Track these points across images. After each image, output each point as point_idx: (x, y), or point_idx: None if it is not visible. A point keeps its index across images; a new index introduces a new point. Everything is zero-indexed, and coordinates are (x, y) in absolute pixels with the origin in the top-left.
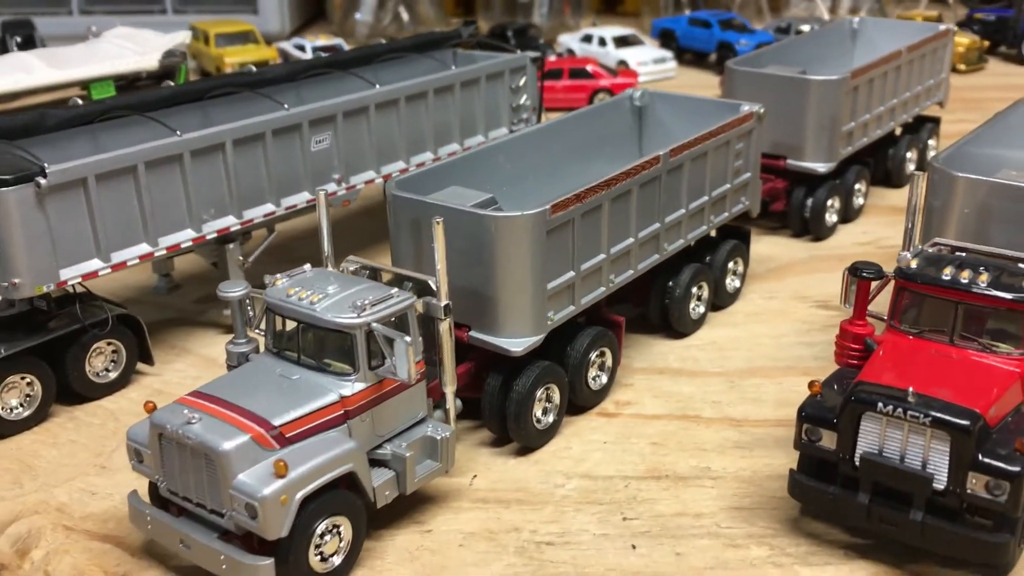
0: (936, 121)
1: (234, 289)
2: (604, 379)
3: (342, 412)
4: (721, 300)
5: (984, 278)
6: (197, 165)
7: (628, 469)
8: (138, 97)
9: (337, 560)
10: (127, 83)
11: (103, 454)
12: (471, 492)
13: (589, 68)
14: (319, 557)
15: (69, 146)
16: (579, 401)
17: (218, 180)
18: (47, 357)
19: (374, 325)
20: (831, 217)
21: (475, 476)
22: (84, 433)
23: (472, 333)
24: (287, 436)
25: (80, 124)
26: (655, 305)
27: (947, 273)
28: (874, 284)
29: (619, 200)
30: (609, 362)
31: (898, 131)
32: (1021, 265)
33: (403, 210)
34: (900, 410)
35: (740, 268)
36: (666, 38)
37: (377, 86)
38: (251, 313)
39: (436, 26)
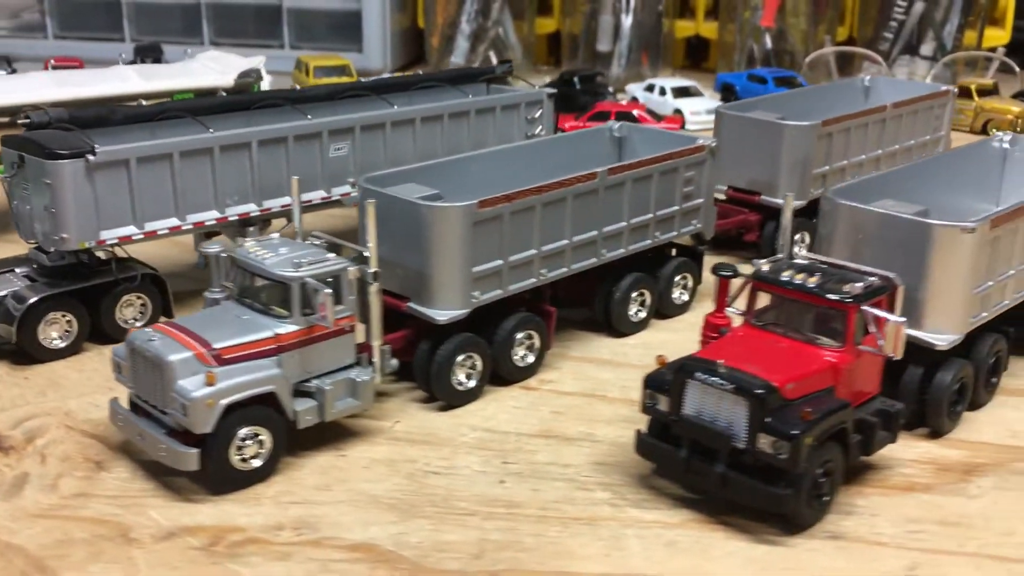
0: None
1: (213, 247)
2: (531, 359)
3: (275, 346)
4: (667, 309)
5: (814, 280)
6: (225, 158)
7: (525, 428)
8: (192, 103)
9: (256, 463)
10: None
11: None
12: (390, 433)
13: (635, 113)
14: (240, 457)
15: (131, 136)
16: (505, 374)
17: (243, 173)
18: (85, 302)
19: (307, 279)
20: (799, 249)
21: (398, 421)
22: (106, 365)
23: (410, 304)
24: (224, 357)
25: (142, 120)
26: (600, 306)
27: (786, 275)
28: (735, 283)
29: (552, 205)
30: (537, 344)
31: None
32: (869, 278)
33: (367, 199)
34: (712, 379)
35: (689, 283)
36: (727, 92)
37: (395, 107)
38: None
39: (524, 71)
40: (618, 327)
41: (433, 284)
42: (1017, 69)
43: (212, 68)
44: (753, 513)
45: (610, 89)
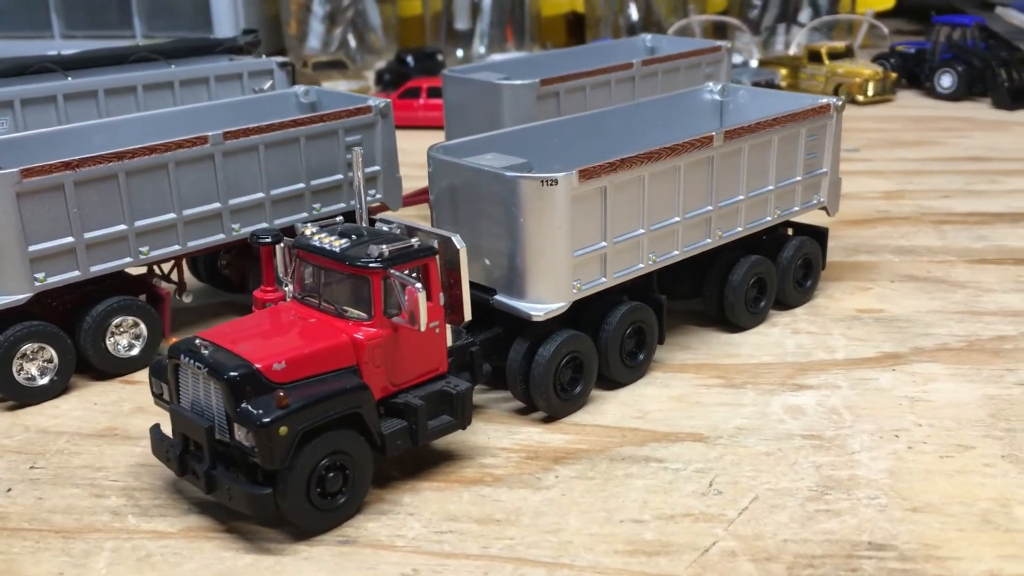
0: None
1: None
2: (137, 350)
3: None
4: None
5: (340, 243)
6: None
7: (88, 427)
8: None
9: None
10: None
11: None
12: None
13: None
14: None
15: None
16: (100, 367)
17: None
18: None
19: None
20: None
21: None
22: None
23: None
24: None
25: None
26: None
27: (317, 239)
28: (283, 250)
29: (147, 173)
30: (145, 333)
31: None
32: (412, 240)
33: None
34: (192, 361)
35: None
36: None
37: (69, 78)
38: None
39: (384, 54)
40: None
41: None
42: (886, 31)
43: None
44: (271, 519)
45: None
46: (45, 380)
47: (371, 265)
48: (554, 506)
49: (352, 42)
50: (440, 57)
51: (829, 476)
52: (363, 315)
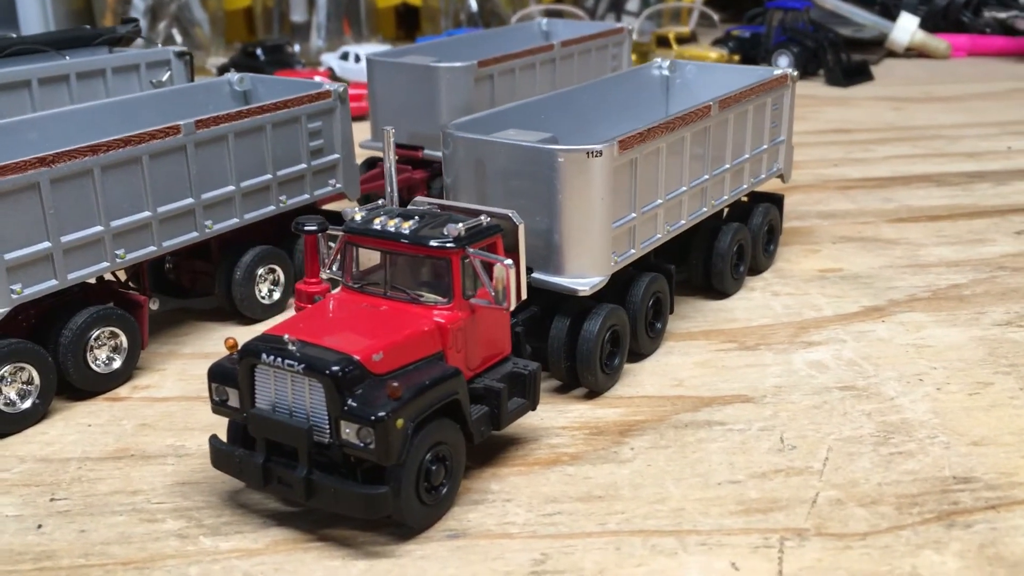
0: None
1: None
2: (118, 363)
3: None
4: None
5: (408, 225)
6: None
7: (96, 451)
8: None
9: None
10: None
11: None
12: None
13: (317, 80)
14: None
15: None
16: (81, 385)
17: None
18: None
19: None
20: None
21: None
22: None
23: None
24: None
25: None
26: (222, 289)
27: (378, 223)
28: (324, 239)
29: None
30: (125, 344)
31: None
32: (482, 218)
33: None
34: (280, 359)
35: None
36: None
37: None
38: None
39: (212, 49)
40: (246, 312)
41: None
42: (716, 18)
43: None
44: (362, 522)
45: (300, 59)
46: (27, 404)
47: (448, 245)
48: (646, 477)
49: (177, 37)
50: (290, 49)
51: (883, 422)
52: (441, 299)
